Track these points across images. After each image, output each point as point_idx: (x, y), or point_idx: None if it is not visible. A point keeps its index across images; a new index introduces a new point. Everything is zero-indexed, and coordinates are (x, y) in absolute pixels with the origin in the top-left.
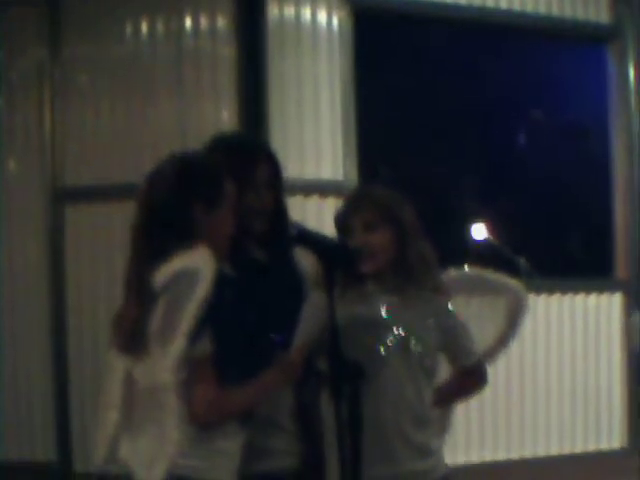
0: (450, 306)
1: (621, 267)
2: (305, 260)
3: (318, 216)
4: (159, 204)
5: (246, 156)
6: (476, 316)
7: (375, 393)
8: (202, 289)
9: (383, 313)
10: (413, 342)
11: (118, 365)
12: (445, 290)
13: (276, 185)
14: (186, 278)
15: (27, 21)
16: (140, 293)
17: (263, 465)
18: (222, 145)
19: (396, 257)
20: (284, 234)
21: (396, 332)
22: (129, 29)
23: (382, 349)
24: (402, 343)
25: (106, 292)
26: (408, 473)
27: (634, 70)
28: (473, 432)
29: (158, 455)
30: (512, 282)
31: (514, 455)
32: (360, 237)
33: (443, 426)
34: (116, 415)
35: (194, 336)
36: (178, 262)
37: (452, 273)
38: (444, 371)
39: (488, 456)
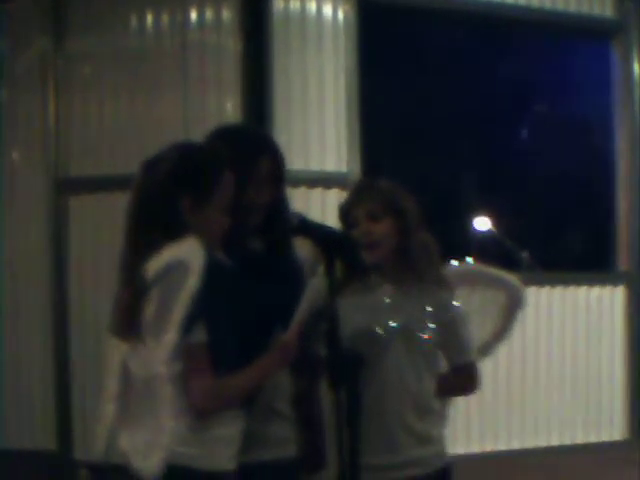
0: (452, 300)
1: (623, 260)
2: (303, 250)
3: (322, 207)
4: (149, 196)
5: (249, 150)
6: (474, 311)
7: (377, 382)
8: (192, 280)
9: (385, 303)
10: (414, 332)
11: (115, 356)
12: (447, 284)
13: (278, 179)
14: (176, 269)
15: (31, 12)
16: (133, 282)
17: (263, 454)
18: (225, 137)
19: (398, 248)
20: (282, 226)
21: (398, 322)
22: (134, 21)
23: (384, 338)
24: (404, 332)
25: (108, 282)
26: (409, 461)
27: (638, 64)
28: (474, 423)
29: (154, 445)
30: (510, 277)
31: (515, 446)
32: (364, 227)
33: (441, 416)
34: (113, 406)
35: (188, 326)
36: (168, 253)
37: (452, 267)
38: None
39: (489, 446)
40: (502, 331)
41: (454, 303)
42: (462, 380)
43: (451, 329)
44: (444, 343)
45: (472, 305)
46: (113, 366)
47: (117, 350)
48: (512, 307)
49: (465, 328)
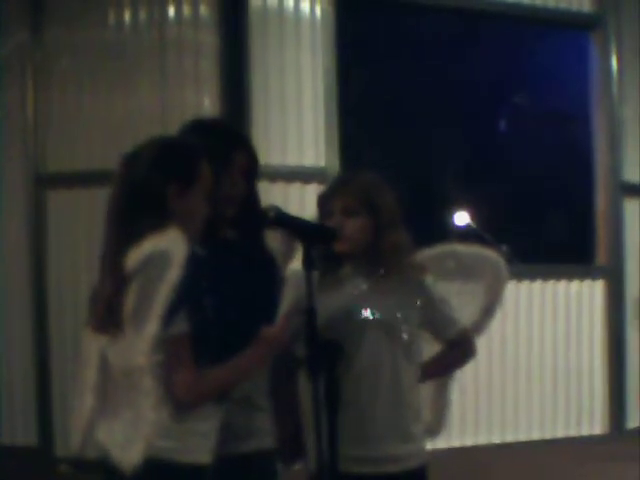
0: (425, 281)
1: (603, 254)
2: (275, 242)
3: (300, 202)
4: (134, 184)
5: (224, 143)
6: (458, 292)
7: (352, 375)
8: (174, 271)
9: (360, 297)
10: (391, 325)
11: (93, 348)
12: (420, 268)
13: (251, 173)
14: (158, 261)
15: (9, 5)
16: (114, 274)
17: (243, 446)
18: (199, 131)
19: (370, 244)
20: (255, 219)
21: (373, 315)
22: (112, 15)
23: (359, 332)
24: (378, 326)
25: (87, 277)
26: (383, 456)
27: (616, 58)
28: (454, 417)
29: (134, 437)
30: (488, 252)
31: (495, 440)
32: (337, 220)
33: (440, 405)
34: (91, 399)
35: (168, 317)
36: (150, 245)
37: (428, 251)
38: (431, 348)
39: (469, 440)
40: (490, 306)
41: (427, 283)
42: (459, 351)
43: (433, 308)
44: (429, 323)
45: (452, 289)
46: (90, 359)
47: (95, 343)
48: (496, 280)
49: (444, 303)
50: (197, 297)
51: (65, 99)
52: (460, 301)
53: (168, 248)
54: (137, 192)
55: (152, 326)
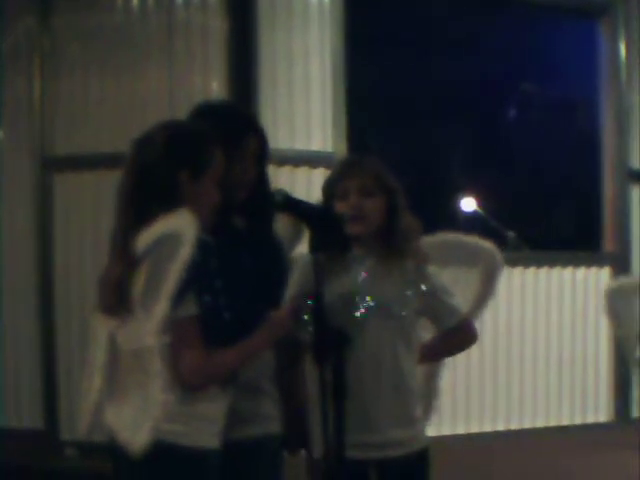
0: (429, 270)
1: (609, 240)
2: (281, 227)
3: (307, 186)
4: (146, 169)
5: (234, 128)
6: (454, 280)
7: (354, 361)
8: (185, 252)
9: (364, 282)
10: (393, 310)
11: (102, 330)
12: (423, 255)
13: (262, 158)
14: (169, 241)
15: None
16: (123, 256)
17: (248, 431)
18: (211, 114)
19: (384, 226)
20: (264, 204)
21: (376, 300)
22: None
23: (361, 317)
24: (382, 311)
25: (94, 260)
26: (387, 441)
27: (624, 45)
28: (459, 404)
29: (142, 419)
30: (485, 243)
31: (500, 427)
32: (354, 200)
33: (429, 393)
34: (100, 381)
35: (177, 299)
36: (161, 226)
37: (428, 239)
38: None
39: (474, 428)
40: (483, 297)
41: (431, 272)
42: (458, 338)
43: (435, 296)
44: (431, 312)
45: (448, 277)
46: (99, 341)
47: (104, 325)
48: (491, 271)
49: (447, 292)
50: (206, 280)
51: (72, 83)
52: (454, 289)
53: (179, 229)
54: (148, 178)
55: (162, 307)
